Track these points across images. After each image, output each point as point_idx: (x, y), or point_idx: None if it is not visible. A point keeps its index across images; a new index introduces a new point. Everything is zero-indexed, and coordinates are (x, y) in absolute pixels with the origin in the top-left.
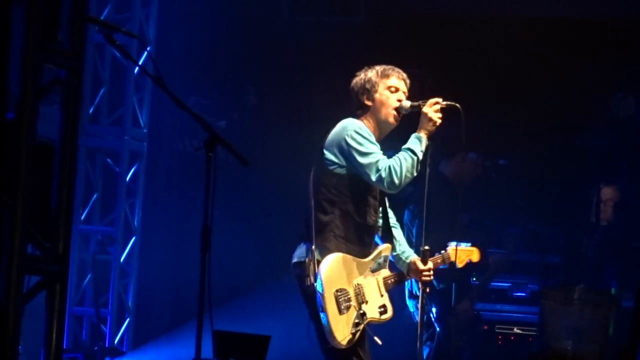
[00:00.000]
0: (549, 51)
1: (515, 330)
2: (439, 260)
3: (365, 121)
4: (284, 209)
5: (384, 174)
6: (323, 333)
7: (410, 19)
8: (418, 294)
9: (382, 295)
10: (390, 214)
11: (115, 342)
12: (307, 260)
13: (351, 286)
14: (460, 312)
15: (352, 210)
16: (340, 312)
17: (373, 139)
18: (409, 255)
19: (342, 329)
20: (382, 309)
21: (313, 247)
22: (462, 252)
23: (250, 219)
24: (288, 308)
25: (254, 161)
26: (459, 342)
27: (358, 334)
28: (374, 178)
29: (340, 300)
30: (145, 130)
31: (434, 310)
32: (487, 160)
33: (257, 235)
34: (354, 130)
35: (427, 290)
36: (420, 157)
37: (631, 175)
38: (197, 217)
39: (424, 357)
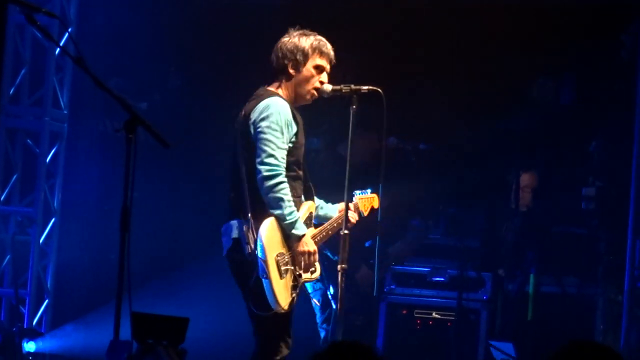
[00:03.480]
0: (472, 35)
1: (434, 314)
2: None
3: (282, 88)
4: (205, 190)
5: (271, 180)
6: (261, 301)
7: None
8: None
9: None
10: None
11: (34, 323)
12: (244, 228)
13: (287, 249)
14: (359, 281)
15: None
16: (281, 276)
17: (288, 128)
18: (329, 211)
19: (284, 293)
20: (313, 268)
21: (249, 215)
22: (365, 200)
23: (172, 201)
24: (208, 290)
25: (175, 143)
26: (356, 321)
27: (296, 297)
28: (262, 167)
29: (280, 264)
30: (65, 112)
31: (331, 288)
32: (408, 145)
33: (178, 217)
34: (273, 120)
35: (315, 272)
36: (287, 226)
37: (550, 160)
38: (117, 198)
39: (321, 340)
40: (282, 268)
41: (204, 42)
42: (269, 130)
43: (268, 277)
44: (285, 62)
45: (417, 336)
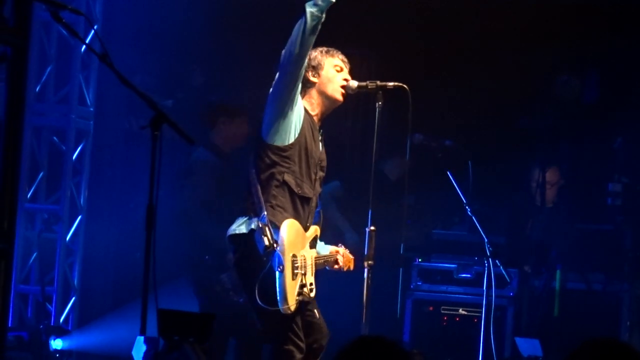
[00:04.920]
0: (495, 32)
1: (461, 311)
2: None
3: (307, 98)
4: (228, 187)
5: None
6: (269, 294)
7: None
8: None
9: (312, 274)
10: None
11: (61, 320)
12: (260, 224)
13: (300, 255)
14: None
15: (289, 180)
16: (293, 277)
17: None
18: (321, 249)
19: (292, 293)
20: (311, 287)
21: (265, 212)
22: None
23: None
24: None
25: (199, 140)
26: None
27: (298, 305)
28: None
29: (294, 265)
30: (91, 109)
31: None
32: (433, 141)
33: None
34: None
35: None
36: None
37: (575, 157)
38: (143, 196)
39: None
40: (294, 270)
41: (227, 39)
42: None
43: (282, 272)
44: (304, 74)
45: (444, 332)
